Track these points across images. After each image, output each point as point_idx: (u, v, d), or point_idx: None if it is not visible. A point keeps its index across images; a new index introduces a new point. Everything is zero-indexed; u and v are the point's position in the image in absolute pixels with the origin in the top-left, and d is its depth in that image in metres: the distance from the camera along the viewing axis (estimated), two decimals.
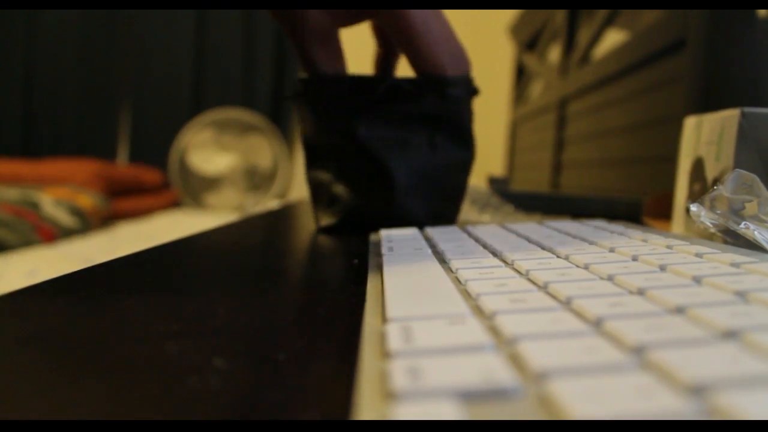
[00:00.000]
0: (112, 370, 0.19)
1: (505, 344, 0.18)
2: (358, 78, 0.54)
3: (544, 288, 0.24)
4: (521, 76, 2.00)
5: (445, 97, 0.54)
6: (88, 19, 3.24)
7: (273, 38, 3.27)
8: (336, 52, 0.52)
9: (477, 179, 0.75)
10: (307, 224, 0.65)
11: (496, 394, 0.14)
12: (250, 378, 0.19)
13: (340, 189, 0.56)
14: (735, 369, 0.14)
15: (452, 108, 0.54)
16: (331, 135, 0.56)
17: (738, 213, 0.38)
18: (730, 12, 0.68)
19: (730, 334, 0.17)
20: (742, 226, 0.37)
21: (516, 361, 0.16)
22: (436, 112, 0.54)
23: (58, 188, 2.28)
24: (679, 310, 0.20)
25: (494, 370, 0.15)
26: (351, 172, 0.55)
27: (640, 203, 0.71)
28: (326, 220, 0.57)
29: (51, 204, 2.00)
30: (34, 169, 2.64)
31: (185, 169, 3.23)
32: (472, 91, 0.57)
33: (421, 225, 0.52)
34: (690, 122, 0.52)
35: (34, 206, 1.94)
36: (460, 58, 0.53)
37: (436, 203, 0.55)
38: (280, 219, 0.71)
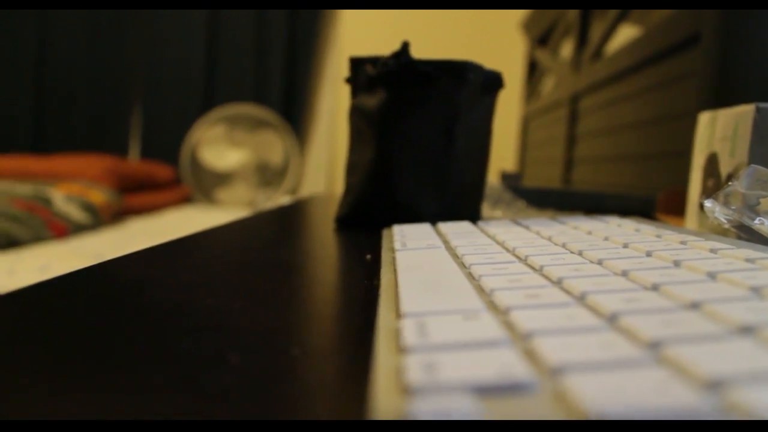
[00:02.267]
0: (126, 366, 0.19)
1: (520, 339, 0.18)
2: (376, 59, 0.53)
3: (558, 283, 0.24)
4: (533, 71, 1.99)
5: (464, 82, 0.52)
6: (99, 15, 3.25)
7: (285, 33, 3.27)
8: None
9: (489, 175, 0.75)
10: (320, 220, 0.65)
11: (512, 388, 0.14)
12: (265, 373, 0.19)
13: (353, 178, 0.55)
14: (751, 364, 0.14)
15: (471, 96, 0.53)
16: (354, 118, 0.56)
17: (753, 209, 0.37)
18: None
19: (746, 330, 0.17)
20: (756, 221, 0.36)
21: (531, 356, 0.16)
22: (455, 100, 0.52)
23: (70, 184, 2.29)
24: (695, 306, 0.20)
25: (510, 365, 0.15)
26: (364, 160, 0.54)
27: (653, 199, 0.71)
28: (339, 211, 0.56)
29: (63, 199, 2.01)
30: (45, 165, 2.65)
31: (197, 165, 3.24)
32: (497, 85, 0.55)
33: (432, 221, 0.52)
34: (704, 118, 0.52)
35: (46, 202, 1.95)
36: None
37: (450, 199, 0.53)
38: (292, 214, 0.71)
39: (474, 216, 0.56)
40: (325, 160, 3.40)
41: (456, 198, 0.54)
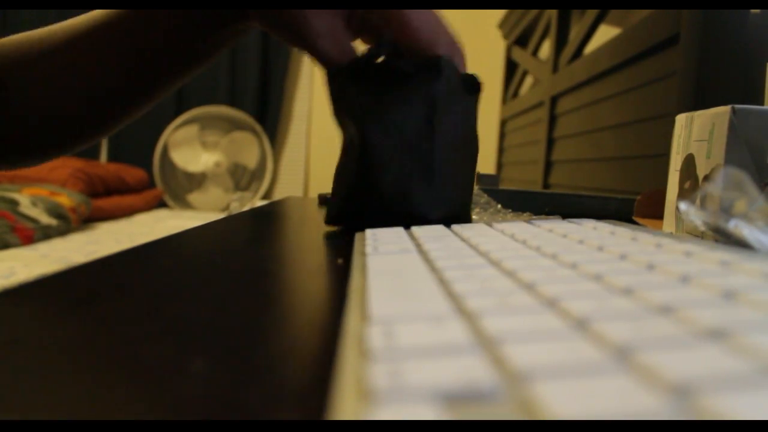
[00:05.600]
0: (90, 373, 0.19)
1: (489, 345, 0.17)
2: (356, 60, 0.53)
3: (530, 288, 0.24)
4: (511, 71, 1.99)
5: (443, 78, 0.52)
6: (64, 14, 3.21)
7: (259, 36, 3.25)
8: (345, 45, 0.54)
9: None
10: (292, 223, 0.64)
11: (477, 395, 0.14)
12: (229, 380, 0.18)
13: (342, 180, 0.55)
14: (721, 369, 0.14)
15: (450, 90, 0.53)
16: (339, 121, 0.56)
17: (728, 211, 0.37)
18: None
19: (718, 335, 0.16)
20: (731, 224, 0.36)
21: (499, 362, 0.16)
22: (434, 95, 0.52)
23: (37, 187, 2.25)
24: (666, 310, 0.19)
25: (476, 371, 0.15)
26: (350, 163, 0.54)
27: (631, 201, 0.71)
28: (329, 211, 0.56)
29: (29, 203, 1.97)
30: None
31: (168, 168, 3.21)
32: (476, 85, 0.55)
33: (421, 213, 0.51)
34: (681, 119, 0.52)
35: (12, 205, 1.91)
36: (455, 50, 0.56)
37: (438, 189, 0.52)
38: (265, 218, 0.70)
39: (464, 214, 0.55)
40: (300, 163, 3.39)
41: (444, 188, 0.53)
